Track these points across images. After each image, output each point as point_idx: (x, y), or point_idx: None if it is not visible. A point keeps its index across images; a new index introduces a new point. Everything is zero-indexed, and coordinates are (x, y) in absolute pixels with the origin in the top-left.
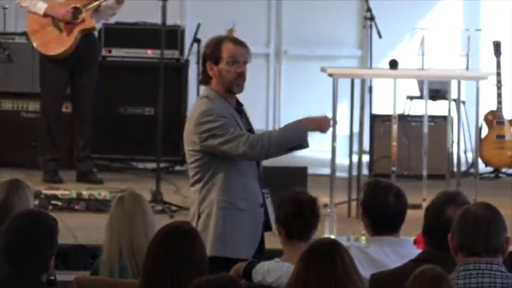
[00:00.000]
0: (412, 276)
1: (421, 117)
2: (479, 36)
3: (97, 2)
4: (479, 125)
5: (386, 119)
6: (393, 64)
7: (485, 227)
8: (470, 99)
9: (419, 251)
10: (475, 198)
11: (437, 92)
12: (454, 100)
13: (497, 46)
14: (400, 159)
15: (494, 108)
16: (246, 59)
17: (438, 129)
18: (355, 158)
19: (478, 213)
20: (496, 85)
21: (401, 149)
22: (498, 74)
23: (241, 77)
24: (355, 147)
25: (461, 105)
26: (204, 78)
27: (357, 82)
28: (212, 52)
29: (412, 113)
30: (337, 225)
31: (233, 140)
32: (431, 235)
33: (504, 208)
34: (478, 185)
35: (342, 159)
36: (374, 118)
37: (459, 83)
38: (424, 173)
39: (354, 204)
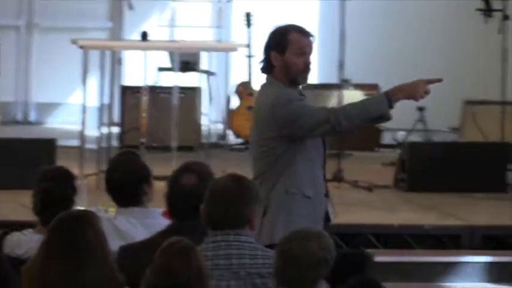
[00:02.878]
0: (160, 249)
1: (171, 88)
2: (230, 7)
3: None
4: (229, 96)
5: (136, 90)
6: (144, 36)
7: (227, 199)
8: (221, 70)
9: (167, 221)
10: (225, 169)
11: (188, 64)
12: (205, 72)
13: (248, 17)
14: (149, 131)
15: (246, 79)
16: (311, 49)
17: (188, 100)
18: (105, 130)
19: (221, 185)
20: (247, 56)
21: (151, 120)
22: (248, 46)
23: (307, 68)
24: (106, 119)
25: (212, 77)
26: (266, 67)
27: (108, 54)
28: (278, 42)
29: (162, 85)
30: (88, 197)
31: (315, 115)
32: (171, 205)
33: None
34: (228, 156)
35: (92, 131)
36: (124, 90)
37: (209, 54)
38: (174, 144)
39: (103, 176)
